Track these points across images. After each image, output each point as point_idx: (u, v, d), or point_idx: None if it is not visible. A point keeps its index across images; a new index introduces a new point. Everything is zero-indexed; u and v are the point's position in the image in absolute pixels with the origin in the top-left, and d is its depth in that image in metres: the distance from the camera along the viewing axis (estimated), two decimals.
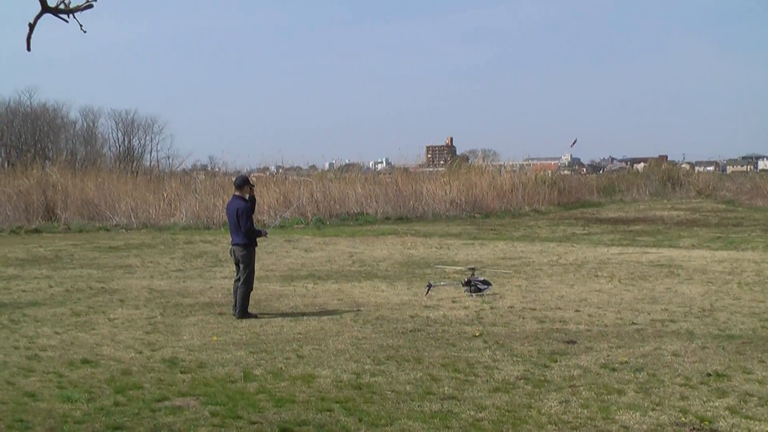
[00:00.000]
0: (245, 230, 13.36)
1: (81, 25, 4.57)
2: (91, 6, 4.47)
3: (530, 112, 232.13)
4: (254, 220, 13.80)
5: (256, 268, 14.10)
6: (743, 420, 7.81)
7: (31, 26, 4.51)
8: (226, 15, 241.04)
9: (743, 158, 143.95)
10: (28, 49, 4.62)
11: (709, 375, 9.38)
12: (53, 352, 10.80)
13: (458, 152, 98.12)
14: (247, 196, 13.70)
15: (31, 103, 70.68)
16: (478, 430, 7.59)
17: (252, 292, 13.67)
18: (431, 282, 15.72)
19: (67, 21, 4.54)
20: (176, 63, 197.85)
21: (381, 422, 7.80)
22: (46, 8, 4.47)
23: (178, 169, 52.43)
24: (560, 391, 8.83)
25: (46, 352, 10.84)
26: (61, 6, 4.47)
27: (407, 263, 20.83)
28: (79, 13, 4.57)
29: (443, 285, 15.90)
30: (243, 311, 13.27)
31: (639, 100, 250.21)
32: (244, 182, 13.86)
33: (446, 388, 8.93)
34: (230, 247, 13.74)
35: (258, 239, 13.79)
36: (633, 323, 12.53)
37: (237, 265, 13.62)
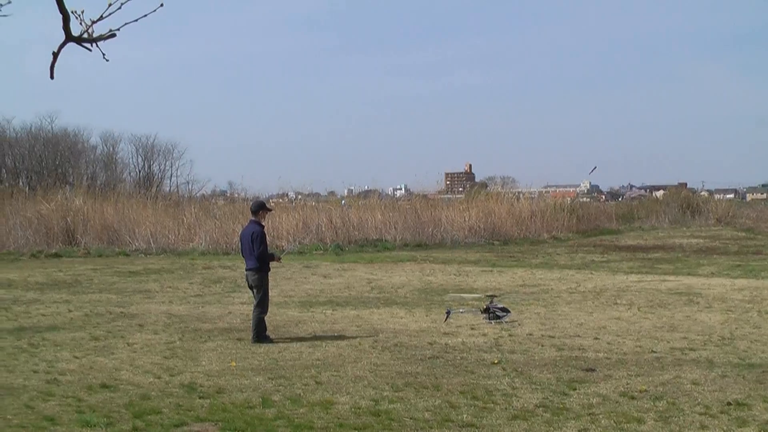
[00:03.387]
0: (258, 254, 13.39)
1: (104, 54, 4.63)
2: (114, 35, 4.53)
3: (549, 139, 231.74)
4: (272, 245, 13.84)
5: (273, 293, 14.12)
6: None
7: (55, 55, 4.57)
8: (245, 40, 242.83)
9: (763, 186, 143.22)
10: (52, 77, 4.67)
11: (729, 404, 9.30)
12: (72, 377, 10.85)
13: (477, 179, 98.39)
14: (263, 222, 13.81)
15: (52, 128, 71.59)
16: None
17: (270, 318, 13.68)
18: (450, 309, 15.69)
19: (90, 50, 4.59)
20: (196, 88, 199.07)
21: None
22: (70, 37, 4.53)
23: (198, 194, 52.78)
24: (579, 419, 8.78)
25: (65, 376, 10.89)
26: (85, 35, 4.54)
27: (426, 290, 20.82)
28: (102, 42, 4.63)
29: (462, 312, 15.87)
30: (258, 335, 13.28)
31: (658, 128, 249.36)
32: (259, 208, 14.00)
33: (465, 416, 8.89)
34: (245, 272, 13.82)
35: (272, 264, 13.83)
36: (652, 351, 12.45)
37: (251, 289, 13.70)
